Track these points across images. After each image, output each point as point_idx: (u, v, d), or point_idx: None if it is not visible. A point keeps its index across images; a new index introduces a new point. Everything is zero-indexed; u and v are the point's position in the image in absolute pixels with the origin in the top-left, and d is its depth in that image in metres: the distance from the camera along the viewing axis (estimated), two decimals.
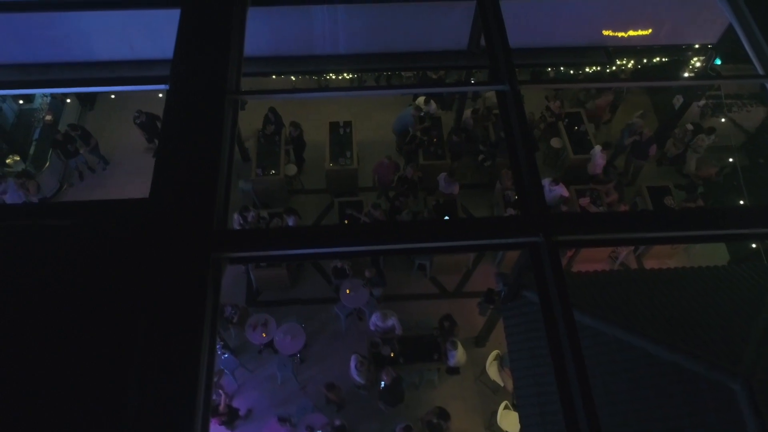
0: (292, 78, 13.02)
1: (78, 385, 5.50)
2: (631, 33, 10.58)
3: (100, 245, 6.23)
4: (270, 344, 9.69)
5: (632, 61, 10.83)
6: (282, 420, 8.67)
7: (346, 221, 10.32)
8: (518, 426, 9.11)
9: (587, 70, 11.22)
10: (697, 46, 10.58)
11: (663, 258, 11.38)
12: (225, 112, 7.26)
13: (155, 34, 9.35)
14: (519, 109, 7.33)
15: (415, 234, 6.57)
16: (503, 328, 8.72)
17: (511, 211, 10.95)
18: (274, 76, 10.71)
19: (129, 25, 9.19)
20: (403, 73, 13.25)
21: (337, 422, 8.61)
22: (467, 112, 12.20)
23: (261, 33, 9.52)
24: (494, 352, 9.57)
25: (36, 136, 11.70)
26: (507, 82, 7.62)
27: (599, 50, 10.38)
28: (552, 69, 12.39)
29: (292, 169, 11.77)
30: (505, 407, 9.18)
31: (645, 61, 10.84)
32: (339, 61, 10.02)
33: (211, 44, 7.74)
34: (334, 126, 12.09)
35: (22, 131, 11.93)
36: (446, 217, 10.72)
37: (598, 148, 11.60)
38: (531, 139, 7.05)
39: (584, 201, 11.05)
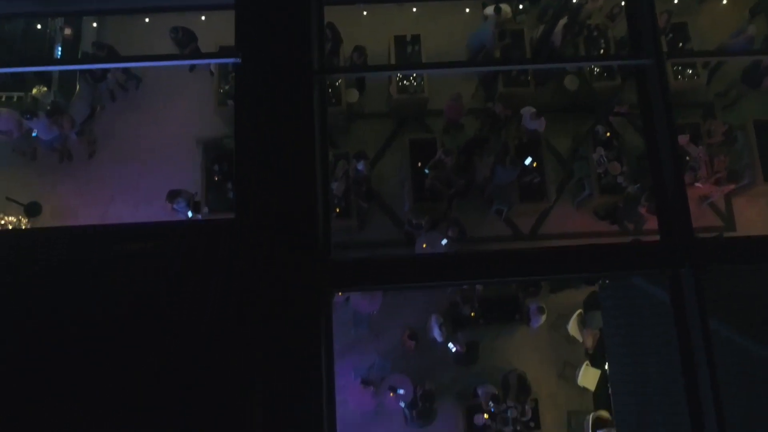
0: None
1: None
2: None
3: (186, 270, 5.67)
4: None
5: None
6: (366, 383, 8.77)
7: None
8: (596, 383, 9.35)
9: None
10: None
11: (757, 197, 10.65)
12: (314, 96, 6.17)
13: None
14: (664, 91, 6.23)
15: (537, 264, 6.00)
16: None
17: (600, 151, 10.00)
18: None
19: None
20: None
21: (427, 386, 8.70)
22: (560, 24, 10.29)
23: None
24: (578, 312, 9.41)
25: (57, 55, 10.28)
26: (652, 54, 6.37)
27: None
28: None
29: (353, 95, 10.49)
30: (587, 365, 9.28)
31: None
32: None
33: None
34: (400, 41, 10.52)
35: (37, 46, 10.45)
36: (529, 159, 9.82)
37: None
38: (676, 134, 6.05)
39: (683, 140, 10.01)
